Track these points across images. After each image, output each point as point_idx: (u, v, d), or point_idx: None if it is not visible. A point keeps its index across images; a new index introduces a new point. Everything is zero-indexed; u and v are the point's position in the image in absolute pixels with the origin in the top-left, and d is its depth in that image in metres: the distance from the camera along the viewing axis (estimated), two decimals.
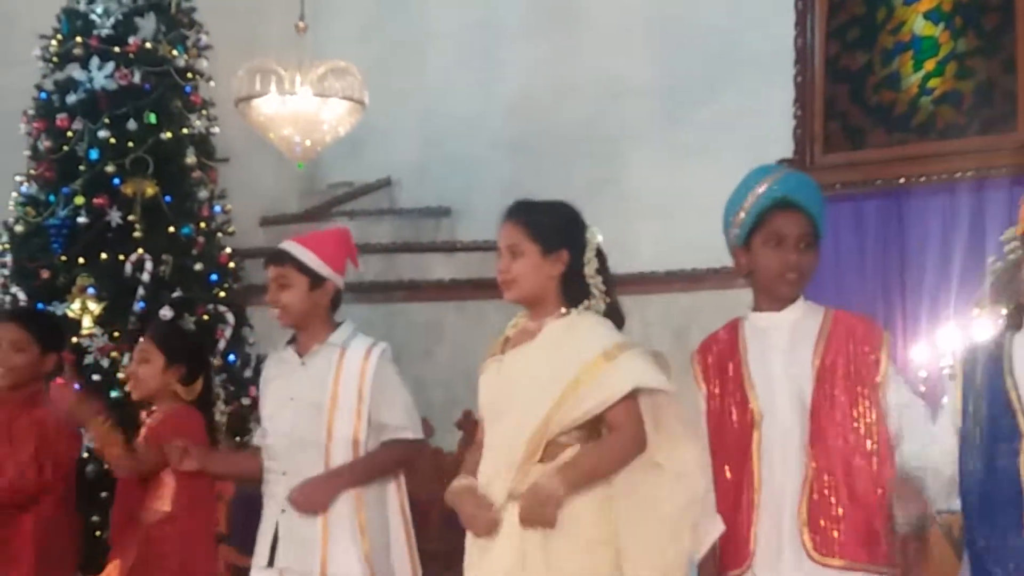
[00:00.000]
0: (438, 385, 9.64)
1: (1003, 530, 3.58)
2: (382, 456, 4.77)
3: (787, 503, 3.86)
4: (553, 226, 4.04)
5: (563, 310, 4.02)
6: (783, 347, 3.94)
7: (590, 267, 4.02)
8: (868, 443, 3.86)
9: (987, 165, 7.85)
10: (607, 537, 3.91)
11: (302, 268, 4.77)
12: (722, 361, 4.03)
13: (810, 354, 3.91)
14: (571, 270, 4.01)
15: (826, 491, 3.83)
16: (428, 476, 8.43)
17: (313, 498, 4.65)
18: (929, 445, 3.84)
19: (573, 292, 4.01)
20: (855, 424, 3.87)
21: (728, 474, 3.94)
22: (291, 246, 4.86)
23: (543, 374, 3.93)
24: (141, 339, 5.63)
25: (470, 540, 3.98)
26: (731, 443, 3.94)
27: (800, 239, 3.94)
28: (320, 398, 4.70)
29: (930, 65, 8.32)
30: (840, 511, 3.82)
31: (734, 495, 3.92)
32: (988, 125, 8.03)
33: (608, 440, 3.91)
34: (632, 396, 3.89)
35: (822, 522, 3.82)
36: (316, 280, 4.77)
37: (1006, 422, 3.57)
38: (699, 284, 8.47)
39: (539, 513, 3.81)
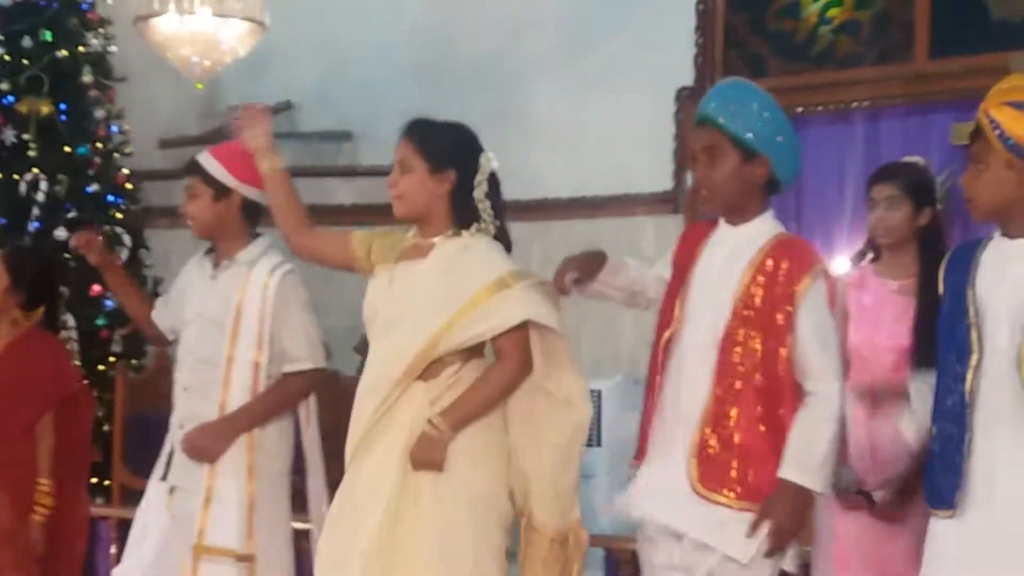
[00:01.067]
0: (339, 309, 9.59)
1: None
2: (279, 393, 4.71)
3: (685, 423, 3.88)
4: (444, 146, 4.09)
5: (452, 231, 4.06)
6: (719, 263, 3.94)
7: (479, 190, 4.06)
8: (772, 377, 3.84)
9: (883, 95, 7.93)
10: (498, 468, 4.01)
11: (207, 179, 4.72)
12: (685, 251, 4.06)
13: (739, 275, 3.89)
14: (459, 191, 4.06)
15: (722, 425, 3.84)
16: (327, 402, 8.45)
17: (205, 447, 4.60)
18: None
19: (462, 213, 4.06)
20: (763, 356, 3.85)
21: (654, 358, 4.02)
22: (202, 156, 4.81)
23: (435, 294, 3.98)
24: None
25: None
26: (658, 330, 3.99)
27: (703, 152, 3.94)
28: (223, 317, 4.66)
29: None
30: (732, 448, 3.83)
31: (652, 385, 4.00)
32: (885, 55, 8.07)
33: (495, 370, 3.99)
34: (522, 325, 3.94)
35: (711, 455, 3.83)
36: (220, 191, 4.71)
37: (960, 334, 3.54)
38: (600, 211, 8.50)
39: (428, 458, 3.90)
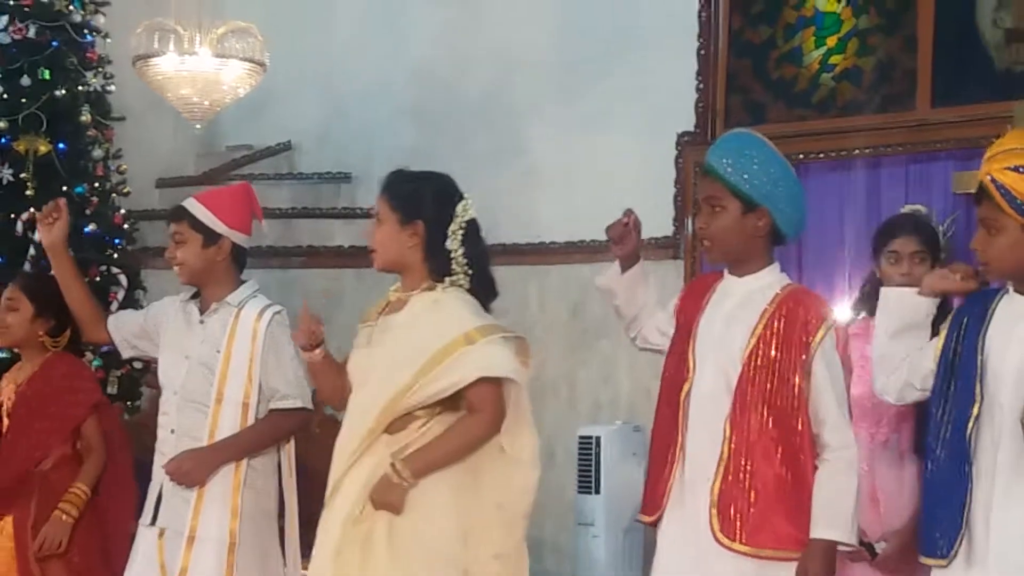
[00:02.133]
0: (335, 351, 9.59)
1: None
2: (267, 428, 4.73)
3: (703, 475, 3.93)
4: (413, 197, 4.13)
5: (427, 284, 4.10)
6: (726, 315, 4.00)
7: (453, 241, 4.08)
8: (788, 426, 3.89)
9: (884, 143, 7.92)
10: (456, 519, 4.02)
11: (195, 225, 4.73)
12: (690, 302, 4.13)
13: (748, 329, 3.94)
14: (430, 242, 4.09)
15: (741, 475, 3.88)
16: (321, 443, 8.41)
17: (190, 473, 4.63)
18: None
19: (436, 265, 4.09)
20: (778, 405, 3.90)
21: (666, 410, 4.07)
22: (189, 203, 4.83)
23: (403, 350, 4.03)
24: (8, 288, 5.59)
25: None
26: (671, 387, 4.06)
27: (706, 202, 4.01)
28: (212, 359, 4.68)
29: (832, 41, 8.35)
30: (751, 497, 3.88)
31: (666, 440, 4.03)
32: (887, 102, 8.08)
33: (464, 422, 4.01)
34: (495, 380, 3.99)
35: (731, 505, 3.88)
36: (210, 237, 4.74)
37: (967, 380, 3.61)
38: (598, 255, 8.45)
39: (386, 500, 3.94)
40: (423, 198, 4.14)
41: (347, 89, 10.20)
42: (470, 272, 4.11)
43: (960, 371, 3.64)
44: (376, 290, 8.87)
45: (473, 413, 4.01)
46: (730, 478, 3.88)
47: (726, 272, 4.09)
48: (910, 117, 7.82)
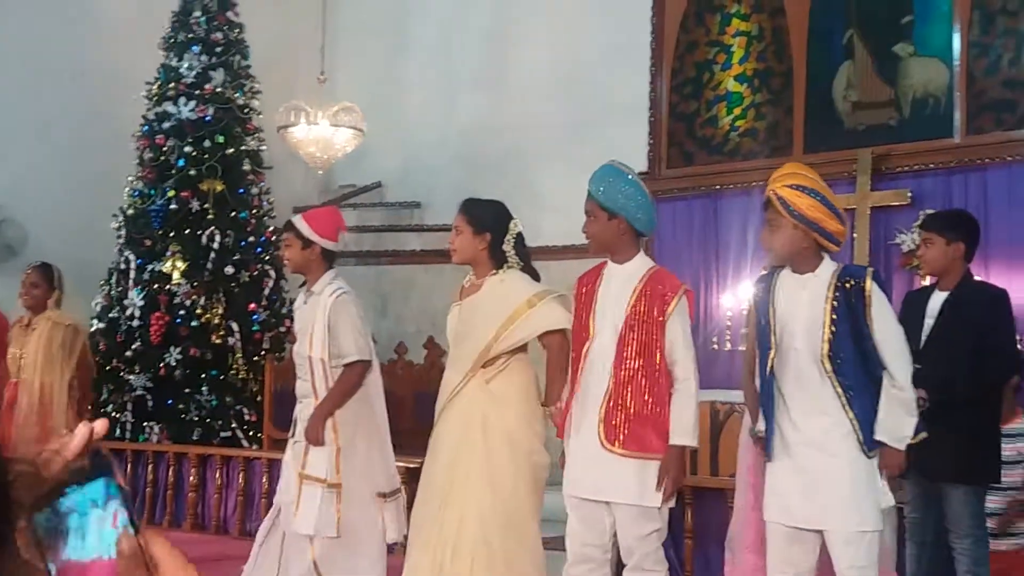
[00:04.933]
0: (411, 321, 9.76)
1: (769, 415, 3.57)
2: (342, 382, 4.37)
3: (596, 404, 3.76)
4: (484, 216, 4.11)
5: (495, 271, 4.09)
6: (614, 290, 3.83)
7: (508, 244, 4.09)
8: (653, 365, 3.71)
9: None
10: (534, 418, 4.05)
11: (297, 233, 4.50)
12: (588, 286, 3.92)
13: (628, 297, 3.77)
14: (493, 245, 4.08)
15: (620, 400, 3.71)
16: (404, 379, 8.58)
17: (313, 435, 4.34)
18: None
19: (497, 259, 4.09)
20: (646, 352, 3.72)
21: (574, 366, 3.88)
22: (294, 218, 4.62)
23: (485, 315, 4.00)
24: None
25: None
26: (578, 345, 3.87)
27: (586, 214, 3.89)
28: (307, 328, 4.46)
29: (737, 111, 8.39)
30: (628, 416, 3.71)
31: (574, 383, 3.85)
32: (774, 151, 8.08)
33: (551, 359, 4.03)
34: (558, 329, 3.98)
35: (613, 421, 3.72)
36: (306, 242, 4.46)
37: (770, 336, 3.53)
38: (585, 253, 8.53)
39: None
40: (490, 216, 4.12)
41: (418, 145, 10.27)
42: (521, 264, 4.11)
43: (762, 329, 3.55)
44: (437, 279, 9.12)
45: (550, 351, 3.99)
46: (611, 404, 3.70)
47: (609, 261, 3.89)
48: (788, 160, 7.69)
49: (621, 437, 3.69)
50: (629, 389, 3.70)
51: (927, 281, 5.38)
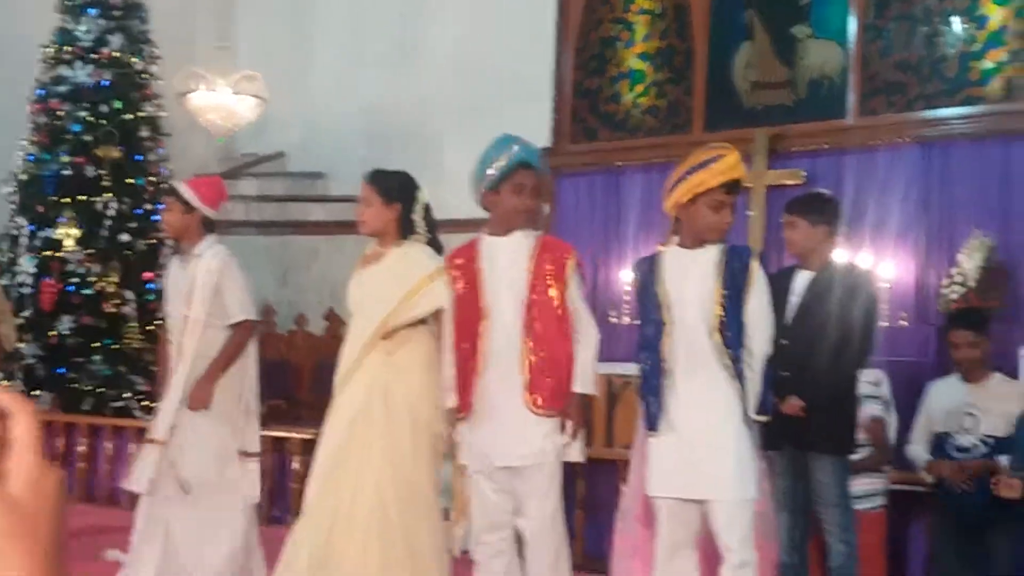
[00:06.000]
0: (312, 292, 9.67)
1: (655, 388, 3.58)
2: (231, 344, 4.40)
3: (512, 372, 3.76)
4: (392, 186, 4.05)
5: (397, 242, 4.04)
6: (506, 262, 3.81)
7: (417, 215, 4.04)
8: (559, 325, 3.75)
9: (673, 155, 7.94)
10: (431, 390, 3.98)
11: (179, 198, 4.47)
12: (467, 266, 3.90)
13: (526, 266, 3.78)
14: (403, 216, 4.03)
15: (540, 364, 3.74)
16: (304, 350, 8.50)
17: (202, 398, 4.34)
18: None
19: (405, 230, 4.04)
20: (552, 314, 3.76)
21: (465, 345, 3.85)
22: (177, 183, 4.58)
23: (388, 286, 3.95)
24: None
25: None
26: (467, 325, 3.84)
27: (533, 190, 3.89)
28: (184, 289, 4.42)
29: (639, 89, 8.43)
30: (548, 377, 3.74)
31: (468, 363, 3.84)
32: (675, 128, 8.15)
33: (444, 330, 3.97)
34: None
35: (537, 386, 3.73)
36: (188, 208, 4.44)
37: (656, 315, 3.55)
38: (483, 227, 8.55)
39: None
40: (398, 187, 4.05)
41: (321, 116, 10.19)
42: (428, 235, 4.05)
43: (650, 306, 3.60)
44: (339, 250, 9.06)
45: (441, 324, 3.92)
46: (533, 369, 3.73)
47: (485, 236, 3.89)
48: (690, 138, 7.81)
49: (545, 396, 3.72)
50: (544, 351, 3.72)
51: None
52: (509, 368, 3.76)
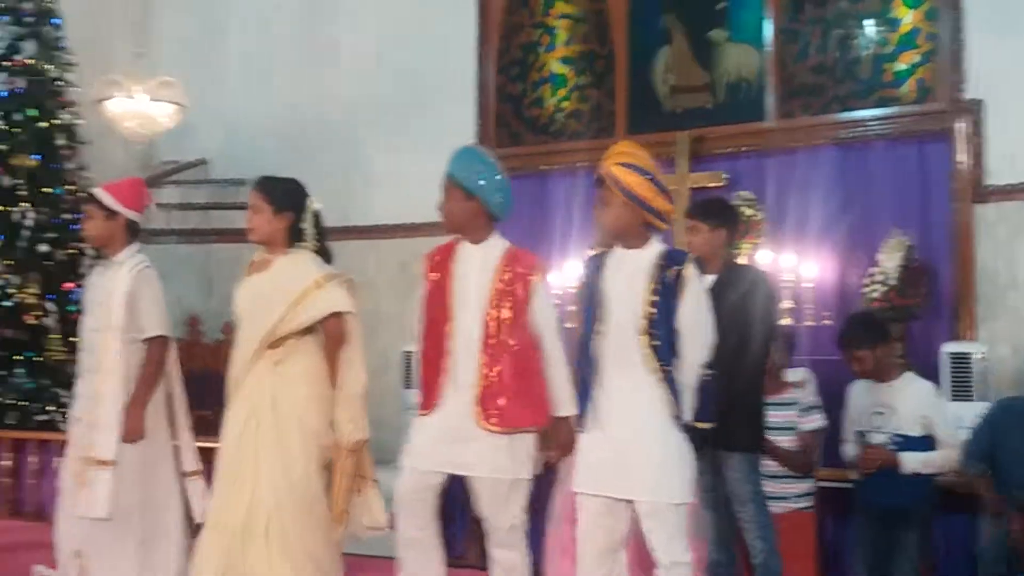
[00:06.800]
0: (220, 301, 9.52)
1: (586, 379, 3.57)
2: (149, 363, 4.27)
3: (468, 383, 3.73)
4: (283, 195, 4.04)
5: (284, 249, 4.02)
6: (472, 271, 3.79)
7: (307, 223, 4.04)
8: (523, 341, 3.72)
9: (595, 158, 7.92)
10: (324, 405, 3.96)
11: (99, 204, 4.33)
12: (441, 264, 3.87)
13: (490, 277, 3.75)
14: (293, 224, 4.02)
15: (493, 379, 3.70)
16: (207, 357, 8.43)
17: (135, 428, 4.20)
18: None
19: (294, 238, 4.03)
20: (515, 328, 3.71)
21: (432, 343, 3.82)
22: (95, 189, 4.41)
23: (273, 294, 3.93)
24: None
25: None
26: (435, 324, 3.81)
27: (443, 193, 3.86)
28: (102, 299, 4.29)
29: (562, 93, 8.49)
30: (501, 394, 3.70)
31: (435, 360, 3.79)
32: (597, 132, 8.21)
33: (328, 344, 3.97)
34: (340, 313, 3.93)
35: (488, 401, 3.70)
36: (109, 213, 4.32)
37: (592, 312, 3.55)
38: (416, 232, 8.44)
39: None
40: (289, 195, 4.04)
41: (241, 123, 10.02)
42: (317, 243, 4.05)
43: (590, 306, 3.54)
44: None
45: (329, 337, 3.92)
46: (485, 384, 3.69)
47: (463, 241, 3.84)
48: (611, 142, 7.73)
49: (496, 416, 3.68)
50: (500, 368, 3.69)
51: None
52: (464, 378, 3.73)
